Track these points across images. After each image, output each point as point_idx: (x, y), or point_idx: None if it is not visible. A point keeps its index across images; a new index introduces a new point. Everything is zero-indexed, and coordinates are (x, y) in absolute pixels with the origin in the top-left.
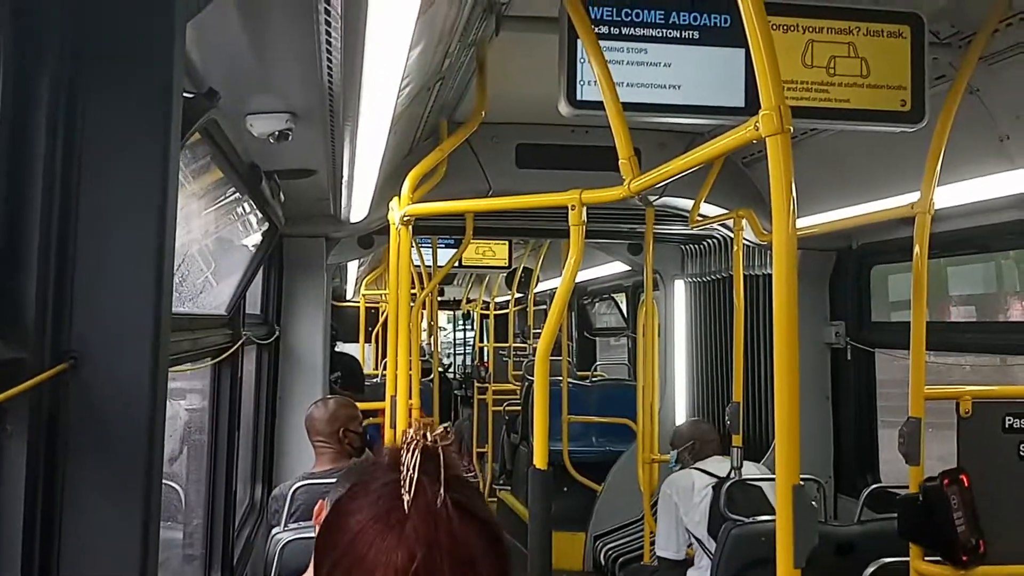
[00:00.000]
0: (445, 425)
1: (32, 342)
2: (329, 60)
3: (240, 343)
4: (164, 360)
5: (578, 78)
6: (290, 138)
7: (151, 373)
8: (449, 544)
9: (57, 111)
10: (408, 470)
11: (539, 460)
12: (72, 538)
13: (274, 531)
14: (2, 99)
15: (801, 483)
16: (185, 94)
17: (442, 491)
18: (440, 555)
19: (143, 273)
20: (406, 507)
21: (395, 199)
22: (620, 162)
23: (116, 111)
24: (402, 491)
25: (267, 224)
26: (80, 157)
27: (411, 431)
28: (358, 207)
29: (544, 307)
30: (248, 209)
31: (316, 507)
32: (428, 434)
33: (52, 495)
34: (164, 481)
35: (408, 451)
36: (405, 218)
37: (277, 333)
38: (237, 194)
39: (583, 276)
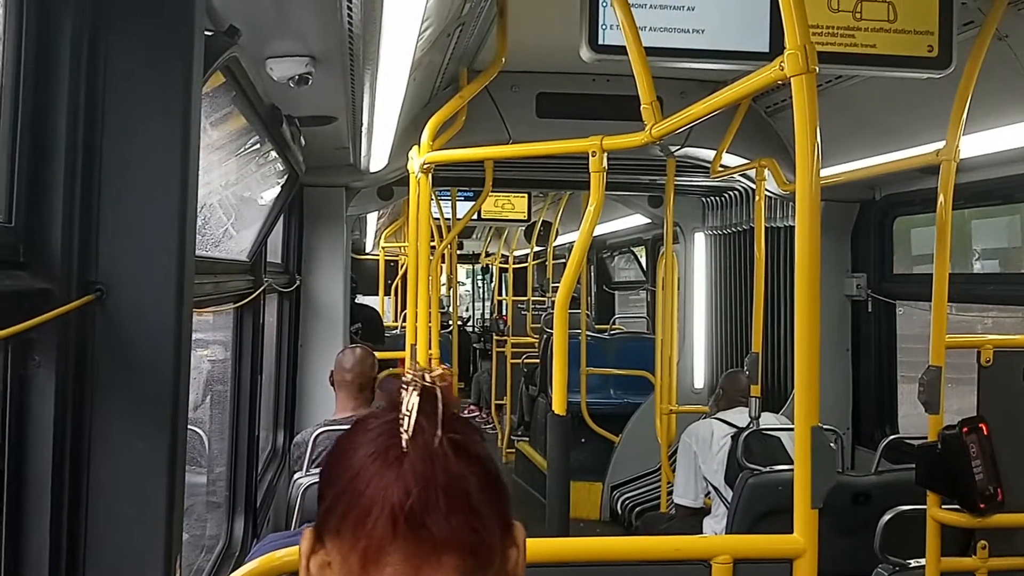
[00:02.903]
0: (444, 367)
1: (59, 273)
2: (349, 2)
3: (261, 289)
4: (189, 290)
5: (600, 22)
6: (310, 82)
7: (176, 305)
8: (445, 481)
9: (81, 46)
10: (407, 410)
11: (558, 407)
12: (101, 469)
13: (296, 476)
14: (27, 36)
15: (820, 424)
16: (206, 32)
17: (439, 431)
18: (436, 491)
19: (167, 207)
20: (404, 445)
21: (414, 148)
22: (642, 107)
23: (139, 46)
24: (401, 430)
25: (287, 171)
26: (104, 92)
27: (410, 373)
28: (377, 156)
29: (563, 261)
30: (268, 160)
31: None
32: (427, 375)
33: (81, 426)
34: (190, 427)
35: (407, 391)
36: (425, 166)
37: (298, 282)
38: (257, 145)
39: (602, 229)
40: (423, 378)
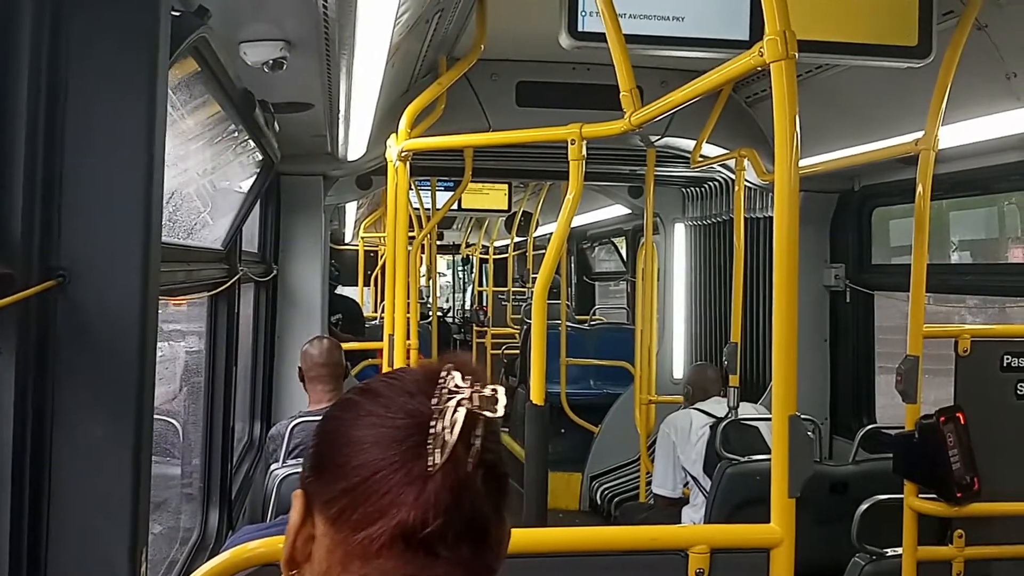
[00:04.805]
0: (495, 389)
1: (19, 258)
2: None
3: (236, 278)
4: (155, 276)
5: (579, 8)
6: (284, 67)
7: (142, 292)
8: (470, 515)
9: (42, 24)
10: (446, 426)
11: (536, 396)
12: (63, 458)
13: (272, 467)
14: None
15: (797, 414)
16: (173, 12)
17: (474, 459)
18: (457, 524)
19: (132, 191)
20: (431, 464)
21: (393, 136)
22: (621, 95)
23: (102, 25)
24: (430, 447)
25: (262, 157)
26: (66, 72)
27: (456, 378)
28: (355, 144)
29: (544, 251)
30: (247, 150)
31: None
32: (476, 396)
33: (43, 414)
34: (164, 418)
35: (449, 413)
36: (403, 154)
37: (275, 272)
38: (234, 134)
39: (583, 220)
40: (474, 399)
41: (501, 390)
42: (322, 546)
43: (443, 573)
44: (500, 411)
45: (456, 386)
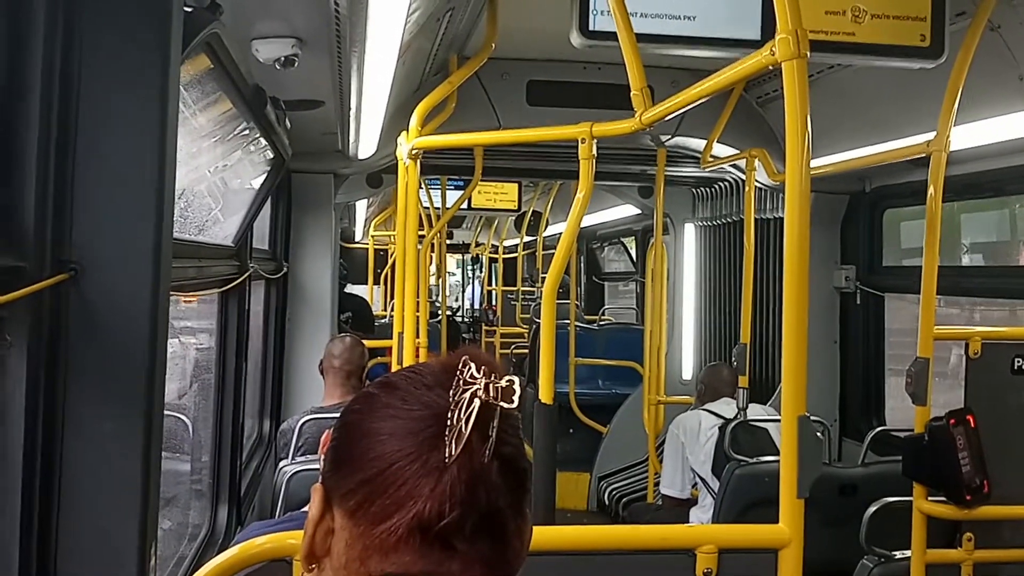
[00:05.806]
0: (511, 380)
1: (31, 251)
2: None
3: (247, 275)
4: (167, 271)
5: (591, 7)
6: (296, 64)
7: (153, 286)
8: (486, 508)
9: (56, 17)
10: (462, 417)
11: (544, 395)
12: (74, 452)
13: (282, 463)
14: None
15: (807, 414)
16: (185, 7)
17: (490, 451)
18: (474, 517)
19: (143, 186)
20: (447, 456)
21: (403, 134)
22: (632, 94)
23: (115, 19)
24: (447, 438)
25: (273, 155)
26: (79, 66)
27: (472, 370)
28: (366, 142)
29: (553, 251)
30: (259, 148)
31: (323, 437)
32: (491, 386)
33: (53, 408)
34: (174, 414)
35: (464, 405)
36: (413, 152)
37: (285, 269)
38: (245, 131)
39: (593, 220)
40: (489, 389)
41: (517, 380)
42: (341, 540)
43: (460, 568)
44: (516, 402)
45: (472, 377)
